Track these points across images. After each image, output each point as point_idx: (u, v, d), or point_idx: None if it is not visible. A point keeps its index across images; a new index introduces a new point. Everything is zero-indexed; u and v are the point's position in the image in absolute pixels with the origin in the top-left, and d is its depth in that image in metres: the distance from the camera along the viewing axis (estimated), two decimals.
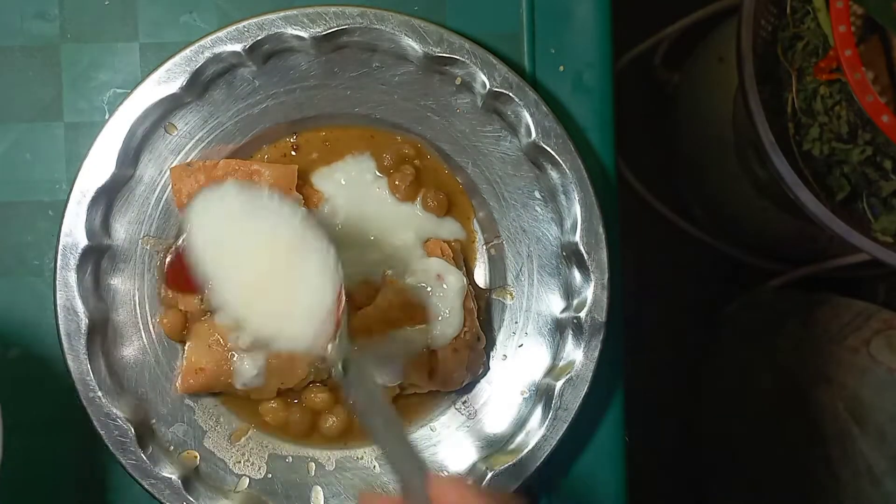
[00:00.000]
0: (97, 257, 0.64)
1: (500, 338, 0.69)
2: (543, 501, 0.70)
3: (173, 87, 0.63)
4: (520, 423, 0.67)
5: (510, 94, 0.64)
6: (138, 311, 0.66)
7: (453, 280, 0.66)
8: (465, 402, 0.68)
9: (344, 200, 0.68)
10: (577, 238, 0.65)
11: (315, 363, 0.65)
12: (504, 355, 0.68)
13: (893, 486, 1.07)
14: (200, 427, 0.67)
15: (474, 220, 0.69)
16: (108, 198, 0.64)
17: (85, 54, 0.67)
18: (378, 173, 0.68)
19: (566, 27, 0.69)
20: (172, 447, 0.65)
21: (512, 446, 0.66)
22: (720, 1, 1.23)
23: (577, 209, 0.64)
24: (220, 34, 0.63)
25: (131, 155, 0.64)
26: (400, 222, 0.68)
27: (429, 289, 0.65)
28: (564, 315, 0.67)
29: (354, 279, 0.66)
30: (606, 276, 0.65)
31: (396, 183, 0.67)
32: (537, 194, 0.67)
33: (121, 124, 0.63)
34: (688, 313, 1.49)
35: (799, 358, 1.18)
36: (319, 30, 0.63)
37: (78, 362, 0.63)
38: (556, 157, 0.64)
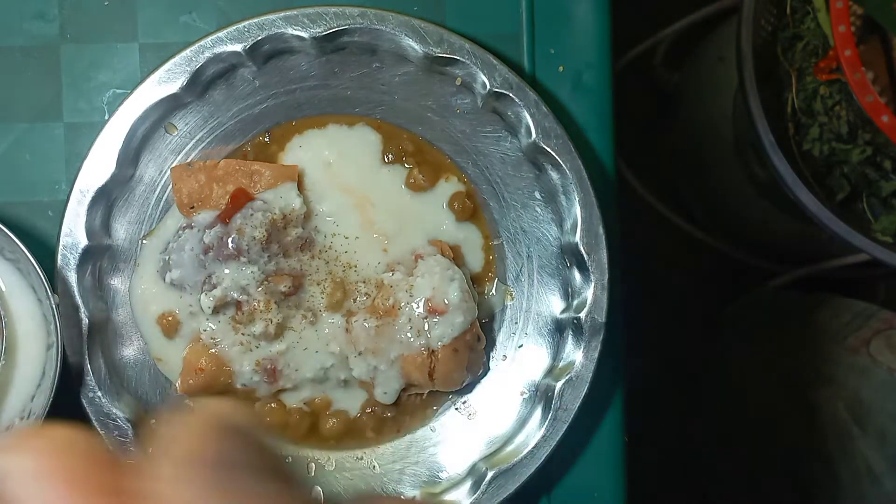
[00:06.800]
0: (97, 257, 0.64)
1: (500, 338, 0.69)
2: (543, 501, 0.70)
3: (173, 87, 0.63)
4: (520, 424, 0.67)
5: (510, 94, 0.64)
6: None
7: (437, 260, 0.65)
8: (465, 402, 0.68)
9: (339, 169, 0.67)
10: (577, 238, 0.64)
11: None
12: (504, 356, 0.68)
13: (893, 486, 1.07)
14: None
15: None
16: (108, 198, 0.64)
17: (85, 54, 0.67)
18: (383, 151, 0.67)
19: (566, 27, 0.69)
20: None
21: (512, 446, 0.66)
22: (720, 1, 1.23)
23: (577, 209, 0.64)
24: (220, 34, 0.63)
25: (131, 155, 0.64)
26: (415, 211, 0.67)
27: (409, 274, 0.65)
28: (564, 315, 0.67)
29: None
30: (606, 276, 0.64)
31: (412, 181, 0.67)
32: (537, 195, 0.67)
33: (121, 124, 0.63)
34: (688, 313, 1.49)
35: (799, 358, 1.18)
36: (320, 30, 0.63)
37: (78, 362, 0.63)
38: (556, 157, 0.64)
